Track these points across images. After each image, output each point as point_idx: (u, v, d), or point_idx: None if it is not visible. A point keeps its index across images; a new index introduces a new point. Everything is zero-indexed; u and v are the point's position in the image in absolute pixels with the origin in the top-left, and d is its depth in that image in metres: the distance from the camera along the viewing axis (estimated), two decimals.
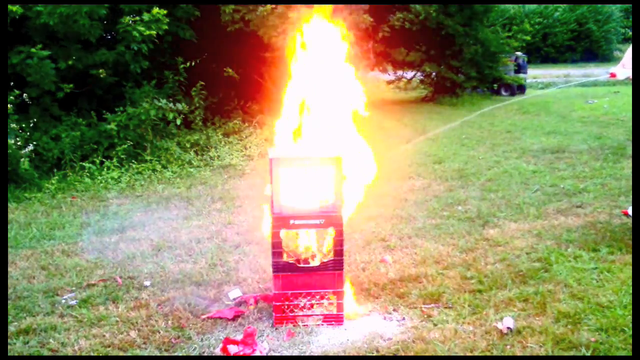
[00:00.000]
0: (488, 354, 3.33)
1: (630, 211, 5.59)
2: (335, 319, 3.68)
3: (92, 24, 8.35)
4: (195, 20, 10.12)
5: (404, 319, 3.76)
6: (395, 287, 4.20)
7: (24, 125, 7.70)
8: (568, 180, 7.06)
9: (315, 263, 3.72)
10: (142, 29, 8.39)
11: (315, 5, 3.83)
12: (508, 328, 3.53)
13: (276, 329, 3.64)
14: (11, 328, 3.73)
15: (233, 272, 4.58)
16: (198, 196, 6.97)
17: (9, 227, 5.75)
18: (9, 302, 4.08)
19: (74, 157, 8.01)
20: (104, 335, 3.64)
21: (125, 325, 3.75)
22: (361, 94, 3.90)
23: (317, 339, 3.54)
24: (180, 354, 3.43)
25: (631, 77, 4.77)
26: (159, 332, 3.65)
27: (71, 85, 8.35)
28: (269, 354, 3.39)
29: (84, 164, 7.93)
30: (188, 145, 8.91)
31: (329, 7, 3.82)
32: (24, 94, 7.94)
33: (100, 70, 8.59)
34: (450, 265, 4.60)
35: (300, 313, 3.67)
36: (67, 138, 8.09)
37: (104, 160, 8.10)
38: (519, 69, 17.22)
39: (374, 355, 3.36)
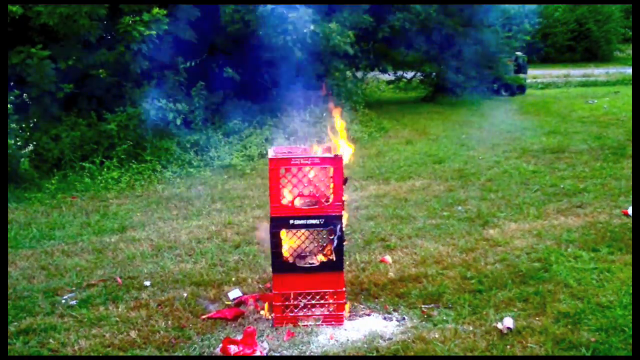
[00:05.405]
0: (488, 354, 3.33)
1: (630, 211, 5.60)
2: (335, 319, 3.68)
3: (92, 24, 8.35)
4: (195, 20, 10.11)
5: (404, 319, 3.76)
6: (395, 287, 4.20)
7: (24, 125, 7.70)
8: (568, 180, 7.06)
9: (315, 263, 3.72)
10: (142, 29, 8.39)
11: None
12: (508, 328, 3.53)
13: (276, 329, 3.64)
14: (11, 328, 3.73)
15: (233, 272, 4.58)
16: (198, 196, 6.97)
17: (9, 227, 5.75)
18: (9, 302, 4.08)
19: (74, 157, 8.02)
20: (104, 335, 3.64)
21: (125, 325, 3.75)
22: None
23: (317, 339, 3.54)
24: (180, 354, 3.43)
25: None
26: (159, 332, 3.65)
27: (71, 85, 8.35)
28: (269, 354, 3.39)
29: (84, 164, 7.93)
30: (188, 145, 8.90)
31: None
32: (24, 94, 7.94)
33: (100, 70, 8.59)
34: (450, 265, 4.60)
35: (301, 313, 3.67)
36: (67, 138, 8.09)
37: (104, 160, 8.10)
38: (519, 69, 17.23)
39: (374, 355, 3.36)
